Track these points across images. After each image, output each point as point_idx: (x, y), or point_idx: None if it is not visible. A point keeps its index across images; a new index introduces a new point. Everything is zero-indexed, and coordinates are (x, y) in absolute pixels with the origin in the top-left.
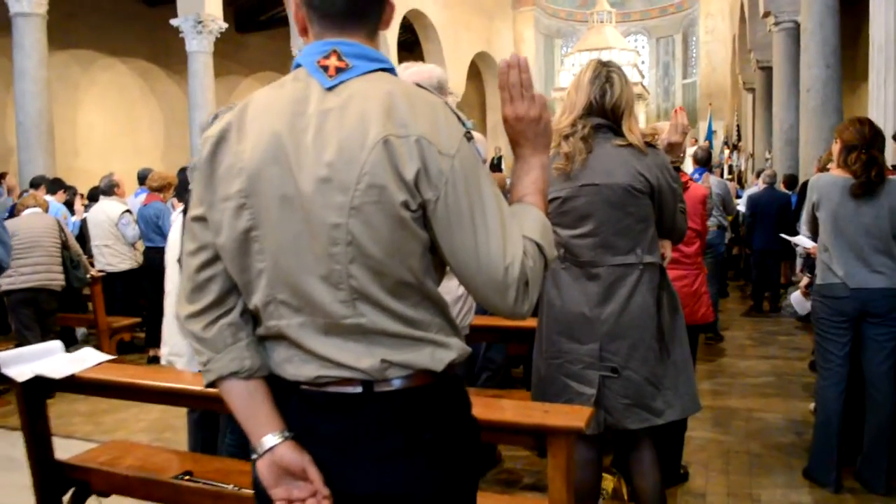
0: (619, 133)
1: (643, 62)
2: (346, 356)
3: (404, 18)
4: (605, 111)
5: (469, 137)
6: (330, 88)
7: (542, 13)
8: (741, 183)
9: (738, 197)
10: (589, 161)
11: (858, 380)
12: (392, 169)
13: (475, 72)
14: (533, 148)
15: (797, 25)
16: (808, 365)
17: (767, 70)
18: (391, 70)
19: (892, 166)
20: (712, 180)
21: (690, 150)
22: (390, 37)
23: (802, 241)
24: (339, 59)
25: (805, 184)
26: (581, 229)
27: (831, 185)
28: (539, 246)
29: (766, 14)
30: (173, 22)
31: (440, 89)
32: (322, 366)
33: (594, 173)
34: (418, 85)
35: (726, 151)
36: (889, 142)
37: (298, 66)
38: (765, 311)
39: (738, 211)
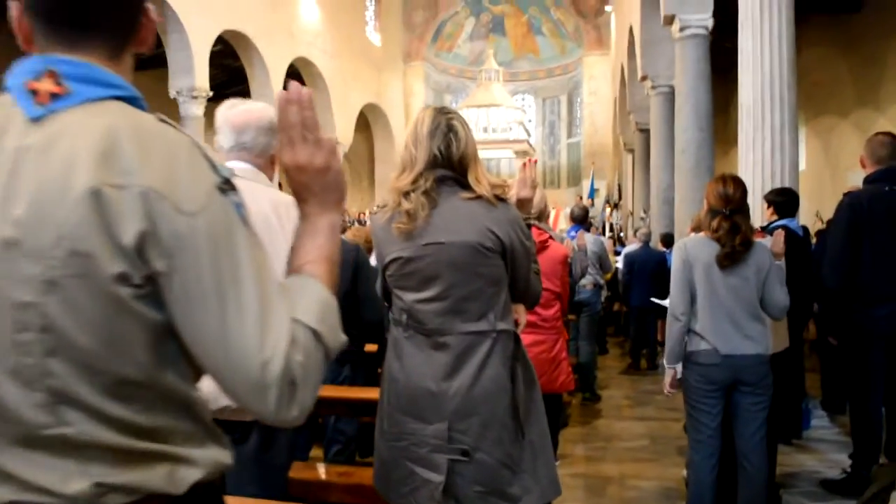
0: (465, 185)
1: (530, 121)
2: (47, 477)
3: (291, 66)
4: (452, 163)
5: (225, 189)
6: (35, 119)
7: (432, 68)
8: (621, 241)
9: (618, 254)
10: (433, 217)
11: (731, 451)
12: (103, 230)
13: (364, 123)
14: (320, 205)
15: (672, 90)
16: (682, 427)
17: (646, 132)
18: (132, 100)
19: (761, 228)
20: (588, 238)
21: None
22: (276, 83)
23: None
24: (56, 82)
25: None
26: (426, 293)
27: (701, 247)
28: (316, 333)
29: (644, 78)
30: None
31: (271, 132)
32: (17, 489)
33: (439, 230)
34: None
35: (607, 209)
36: (758, 203)
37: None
38: (642, 369)
39: (616, 268)
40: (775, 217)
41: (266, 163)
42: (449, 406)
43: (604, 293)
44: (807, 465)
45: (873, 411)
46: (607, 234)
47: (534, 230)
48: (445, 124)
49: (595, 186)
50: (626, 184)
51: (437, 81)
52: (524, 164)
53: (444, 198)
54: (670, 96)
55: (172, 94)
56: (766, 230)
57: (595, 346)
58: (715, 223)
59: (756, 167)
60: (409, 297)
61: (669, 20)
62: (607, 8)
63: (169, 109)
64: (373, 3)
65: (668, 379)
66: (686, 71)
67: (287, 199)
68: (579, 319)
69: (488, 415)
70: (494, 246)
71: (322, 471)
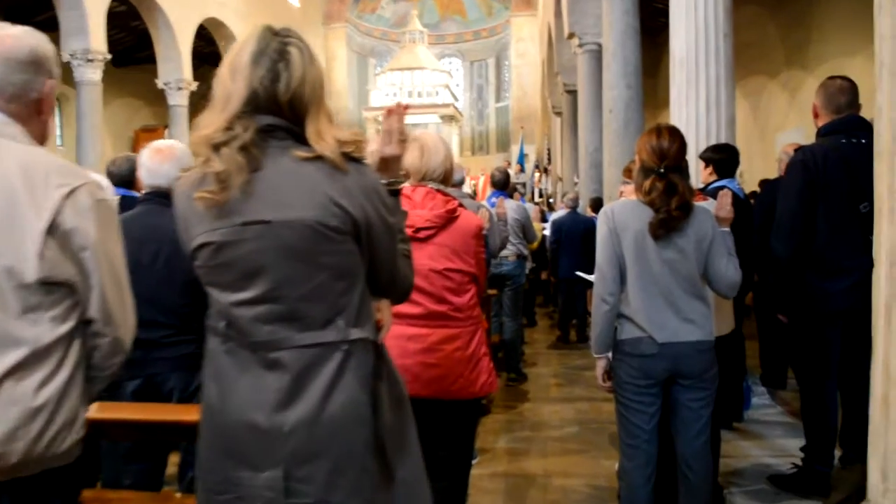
0: (301, 140)
1: (457, 85)
2: None
3: (201, 27)
4: (280, 106)
5: None
6: None
7: (354, 30)
8: (551, 207)
9: (546, 221)
10: (254, 185)
11: (670, 456)
12: None
13: None
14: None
15: (600, 48)
16: (615, 409)
17: (574, 93)
18: None
19: (699, 190)
20: (510, 204)
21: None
22: (183, 46)
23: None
24: None
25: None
26: (248, 292)
27: (630, 213)
28: None
29: (571, 35)
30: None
31: (34, 67)
32: None
33: (263, 204)
34: None
35: (537, 175)
36: (693, 162)
37: None
38: (571, 342)
39: (544, 236)
40: (714, 177)
41: (25, 110)
42: (285, 447)
43: (528, 264)
44: (752, 455)
45: (828, 398)
46: (536, 199)
47: (438, 196)
48: (276, 49)
49: (525, 151)
50: (555, 148)
51: (361, 44)
52: (388, 111)
53: (270, 157)
54: (598, 54)
55: (66, 57)
56: (706, 192)
57: (520, 322)
58: (647, 184)
59: (689, 124)
60: (226, 297)
61: None
62: None
63: (63, 74)
64: None
65: (599, 371)
66: (613, 24)
67: (51, 165)
68: (502, 294)
69: (341, 455)
70: (342, 224)
71: (177, 500)
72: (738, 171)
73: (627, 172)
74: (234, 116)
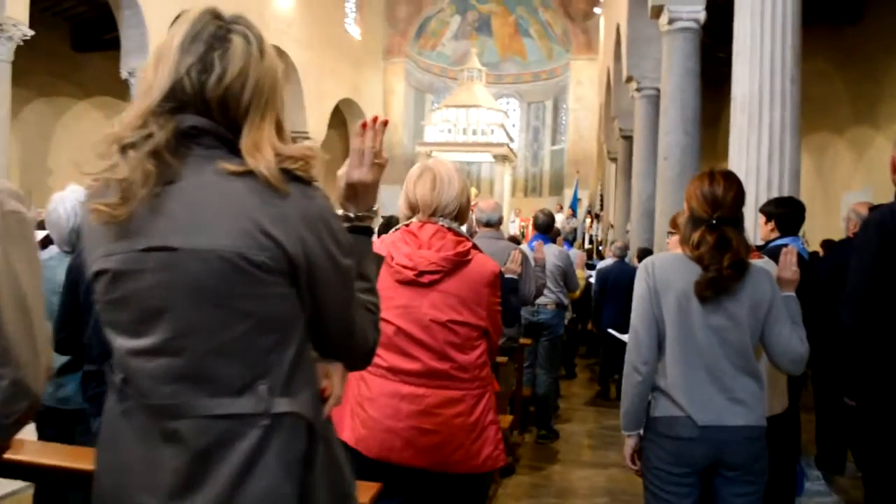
0: (233, 149)
1: (514, 125)
2: None
3: None
4: (208, 104)
5: None
6: None
7: (413, 66)
8: (600, 255)
9: (592, 268)
10: (165, 200)
11: None
12: None
13: (340, 119)
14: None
15: (658, 93)
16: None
17: (630, 139)
18: None
19: (757, 247)
20: (551, 249)
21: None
22: None
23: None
24: None
25: None
26: (146, 339)
27: (675, 269)
28: None
29: (629, 79)
30: None
31: None
32: None
33: (172, 226)
34: None
35: (587, 220)
36: (752, 216)
37: None
38: (611, 399)
39: (589, 284)
40: (775, 234)
41: None
42: None
43: (568, 314)
44: None
45: None
46: (586, 246)
47: (449, 235)
48: (214, 34)
49: (578, 196)
50: (608, 194)
51: (419, 80)
52: (363, 125)
53: (191, 167)
54: (656, 100)
55: (124, 74)
56: (765, 251)
57: (555, 375)
58: (696, 236)
59: (749, 174)
60: (122, 343)
61: (657, 12)
62: (596, 10)
63: (121, 91)
64: None
65: (627, 451)
66: (673, 68)
67: None
68: (538, 344)
69: None
70: (272, 261)
71: None
72: (801, 230)
73: (674, 223)
74: (150, 112)
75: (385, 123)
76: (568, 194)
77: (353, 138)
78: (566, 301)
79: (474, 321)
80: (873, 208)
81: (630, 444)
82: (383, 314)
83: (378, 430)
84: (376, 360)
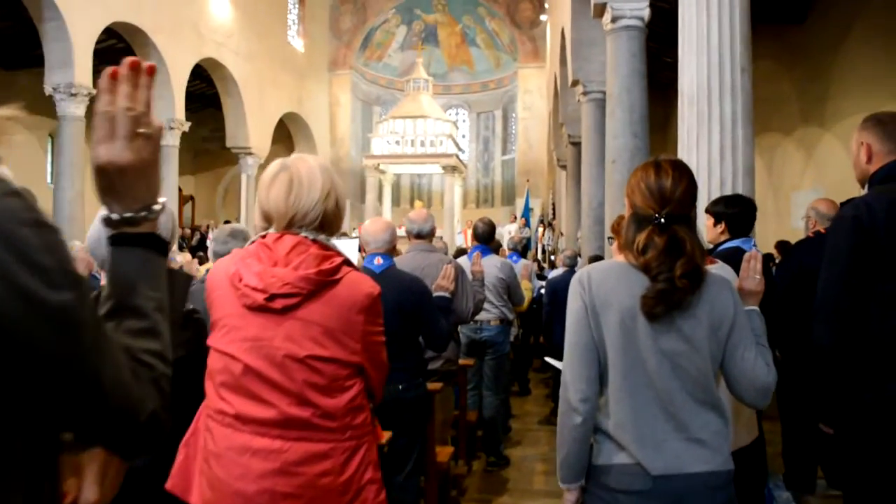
0: None
1: (463, 136)
2: None
3: (199, 67)
4: None
5: None
6: None
7: (360, 78)
8: (553, 264)
9: (543, 279)
10: None
11: None
12: None
13: (285, 133)
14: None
15: (605, 95)
16: None
17: (578, 145)
18: None
19: (708, 252)
20: (492, 261)
21: (510, 228)
22: (177, 85)
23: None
24: None
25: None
26: None
27: (614, 279)
28: None
29: (575, 83)
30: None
31: None
32: None
33: None
34: None
35: (540, 230)
36: (702, 218)
37: None
38: None
39: (541, 295)
40: (725, 236)
41: None
42: None
43: (514, 330)
44: None
45: None
46: (539, 255)
47: (312, 249)
48: None
49: (530, 206)
50: (560, 202)
51: (366, 92)
52: (112, 74)
53: None
54: (602, 103)
55: (48, 90)
56: (714, 255)
57: (503, 397)
58: (641, 239)
59: (700, 171)
60: None
61: (600, 11)
62: (542, 17)
63: (46, 107)
64: (296, 6)
65: None
66: (618, 68)
67: None
68: (482, 364)
69: None
70: None
71: None
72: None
73: (616, 227)
74: None
75: (151, 71)
76: (519, 204)
77: (100, 97)
78: (511, 316)
79: (344, 356)
80: (845, 203)
81: (570, 499)
82: (229, 348)
83: (226, 493)
84: (222, 405)
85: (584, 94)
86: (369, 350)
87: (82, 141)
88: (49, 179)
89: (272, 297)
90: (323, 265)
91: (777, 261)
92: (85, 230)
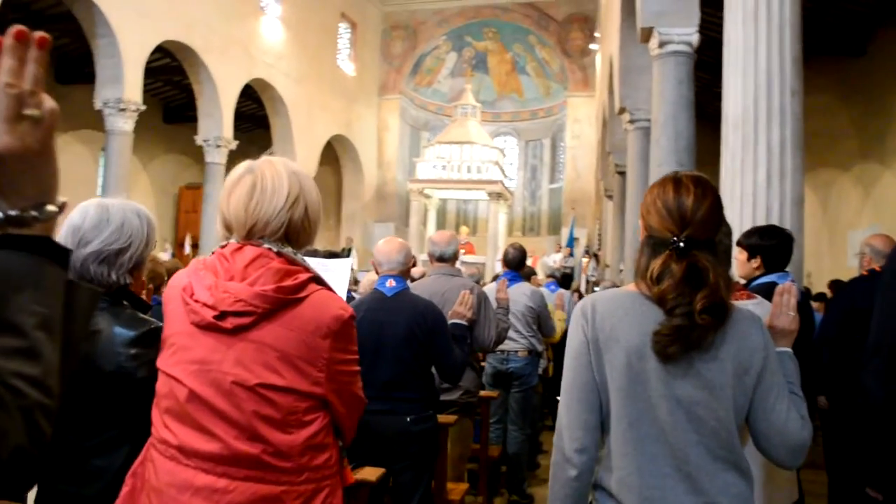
0: None
1: (511, 164)
2: None
3: (248, 87)
4: None
5: None
6: None
7: (409, 103)
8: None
9: None
10: None
11: None
12: None
13: (332, 155)
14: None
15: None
16: None
17: (624, 174)
18: None
19: (745, 285)
20: (521, 289)
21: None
22: (225, 103)
23: None
24: None
25: None
26: None
27: (623, 311)
28: None
29: (622, 111)
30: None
31: None
32: None
33: None
34: None
35: (584, 260)
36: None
37: None
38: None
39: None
40: (760, 272)
41: None
42: None
43: (543, 362)
44: None
45: None
46: (583, 287)
47: (273, 263)
48: None
49: (575, 235)
50: (606, 233)
51: (415, 117)
52: None
53: None
54: (648, 131)
55: (98, 105)
56: (749, 289)
57: (529, 432)
58: (656, 266)
59: (745, 201)
60: None
61: (647, 35)
62: (592, 46)
63: (99, 122)
64: (347, 30)
65: None
66: (664, 95)
67: None
68: (508, 396)
69: None
70: None
71: None
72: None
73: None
74: None
75: (43, 43)
76: (564, 234)
77: None
78: (540, 347)
79: (303, 387)
80: None
81: None
82: (175, 370)
83: None
84: (166, 434)
85: (631, 122)
86: (336, 381)
87: (128, 155)
88: (99, 192)
89: (222, 315)
90: (284, 281)
91: (830, 299)
92: None
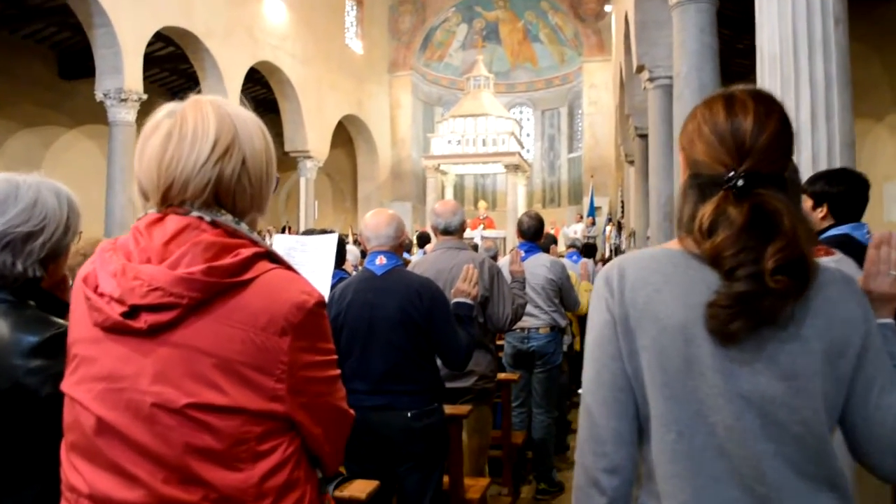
0: None
1: (528, 135)
2: None
3: (255, 71)
4: None
5: None
6: None
7: (421, 79)
8: None
9: None
10: None
11: None
12: None
13: (345, 136)
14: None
15: (673, 80)
16: None
17: (645, 137)
18: None
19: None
20: (540, 260)
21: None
22: (231, 89)
23: None
24: None
25: None
26: None
27: (663, 278)
28: None
29: (640, 69)
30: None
31: None
32: None
33: None
34: None
35: (608, 229)
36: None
37: None
38: None
39: None
40: (828, 222)
41: None
42: None
43: (567, 338)
44: None
45: None
46: (607, 256)
47: (204, 237)
48: None
49: (596, 204)
50: (628, 200)
51: (427, 93)
52: None
53: None
54: (670, 89)
55: (99, 97)
56: (827, 242)
57: (555, 414)
58: (708, 211)
59: None
60: None
61: None
62: (607, 8)
63: (101, 115)
64: (354, 8)
65: None
66: (686, 45)
67: None
68: (531, 377)
69: None
70: None
71: None
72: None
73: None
74: None
75: None
76: (585, 202)
77: None
78: (563, 322)
79: (256, 405)
80: None
81: None
82: (77, 391)
83: None
84: (74, 478)
85: (650, 80)
86: (305, 392)
87: (132, 146)
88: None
89: (133, 312)
90: (221, 259)
91: None
92: None
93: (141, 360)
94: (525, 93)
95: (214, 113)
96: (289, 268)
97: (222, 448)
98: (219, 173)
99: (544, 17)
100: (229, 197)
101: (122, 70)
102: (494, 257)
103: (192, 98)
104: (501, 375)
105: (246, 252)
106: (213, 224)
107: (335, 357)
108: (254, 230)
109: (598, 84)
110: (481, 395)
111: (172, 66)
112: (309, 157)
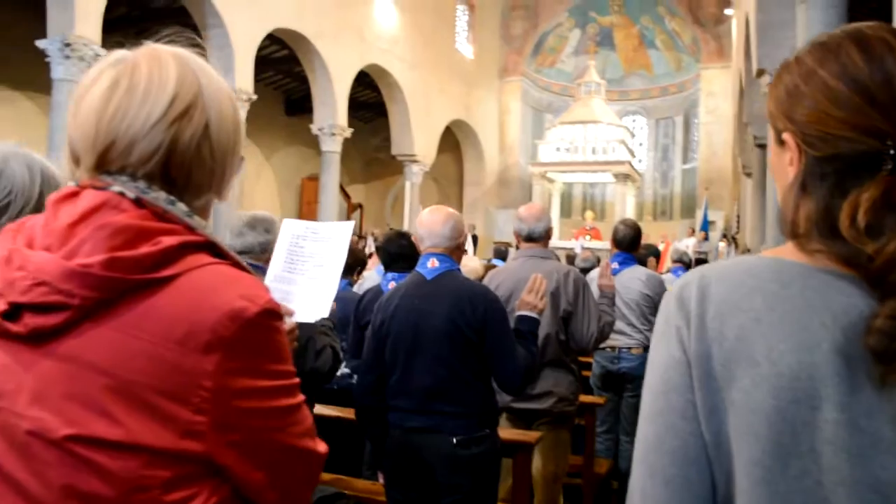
0: None
1: (640, 144)
2: None
3: (364, 74)
4: None
5: None
6: None
7: (531, 85)
8: None
9: None
10: None
11: None
12: None
13: (452, 141)
14: None
15: None
16: None
17: (765, 147)
18: None
19: None
20: (634, 274)
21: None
22: (339, 91)
23: None
24: None
25: None
26: None
27: (764, 309)
28: None
29: (760, 73)
30: (39, 44)
31: None
32: None
33: None
34: None
35: (721, 244)
36: None
37: None
38: None
39: None
40: None
41: None
42: None
43: None
44: None
45: None
46: None
47: (120, 218)
48: None
49: (709, 217)
50: (744, 214)
51: (537, 99)
52: None
53: None
54: None
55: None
56: None
57: None
58: (864, 202)
59: None
60: None
61: None
62: (727, 11)
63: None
64: (465, 13)
65: None
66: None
67: None
68: (620, 402)
69: None
70: None
71: None
72: None
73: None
74: None
75: None
76: (698, 216)
77: None
78: None
79: (162, 442)
80: None
81: None
82: None
83: None
84: None
85: None
86: (237, 427)
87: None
88: None
89: (14, 312)
90: (133, 248)
91: None
92: None
93: (21, 373)
94: (638, 101)
95: (176, 63)
96: (237, 264)
97: (114, 496)
98: (173, 137)
99: (661, 22)
100: (183, 169)
101: (234, 70)
102: (590, 270)
103: (153, 45)
104: (585, 398)
105: (169, 241)
106: (137, 203)
107: (294, 381)
108: (204, 217)
109: (717, 92)
110: (560, 418)
111: (287, 69)
112: (415, 161)
